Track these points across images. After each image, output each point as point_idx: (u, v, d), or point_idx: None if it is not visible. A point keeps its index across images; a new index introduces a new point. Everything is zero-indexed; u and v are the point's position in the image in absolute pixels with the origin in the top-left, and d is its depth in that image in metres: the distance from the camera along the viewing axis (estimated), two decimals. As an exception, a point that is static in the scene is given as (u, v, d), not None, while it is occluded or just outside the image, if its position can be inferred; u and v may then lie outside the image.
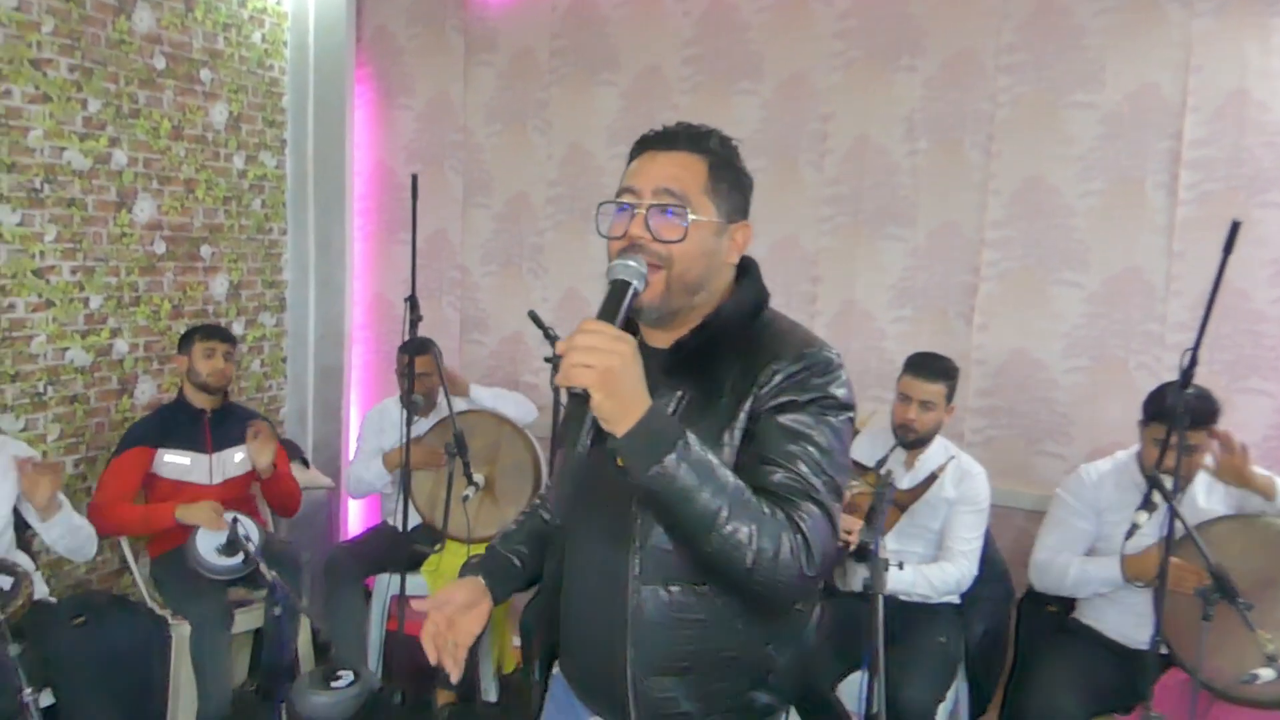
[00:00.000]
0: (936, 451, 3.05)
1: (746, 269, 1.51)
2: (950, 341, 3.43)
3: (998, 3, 3.35)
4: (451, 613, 1.50)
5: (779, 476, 1.30)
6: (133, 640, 3.00)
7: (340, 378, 4.47)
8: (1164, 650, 2.43)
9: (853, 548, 2.80)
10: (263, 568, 2.90)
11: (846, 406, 1.38)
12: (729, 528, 1.22)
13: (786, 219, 3.69)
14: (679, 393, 1.40)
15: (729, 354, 1.39)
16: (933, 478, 2.97)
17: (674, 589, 1.38)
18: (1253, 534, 2.60)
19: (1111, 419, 3.26)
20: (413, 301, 3.23)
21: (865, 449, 3.09)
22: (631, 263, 1.30)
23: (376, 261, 4.46)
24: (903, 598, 2.91)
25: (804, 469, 1.30)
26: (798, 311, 3.69)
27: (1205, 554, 2.21)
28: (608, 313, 1.26)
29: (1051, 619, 3.02)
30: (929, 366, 3.00)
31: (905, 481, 3.01)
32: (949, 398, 3.01)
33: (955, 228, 3.47)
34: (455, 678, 1.49)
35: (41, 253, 3.38)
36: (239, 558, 3.12)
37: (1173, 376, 3.13)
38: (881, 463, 3.01)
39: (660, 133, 1.44)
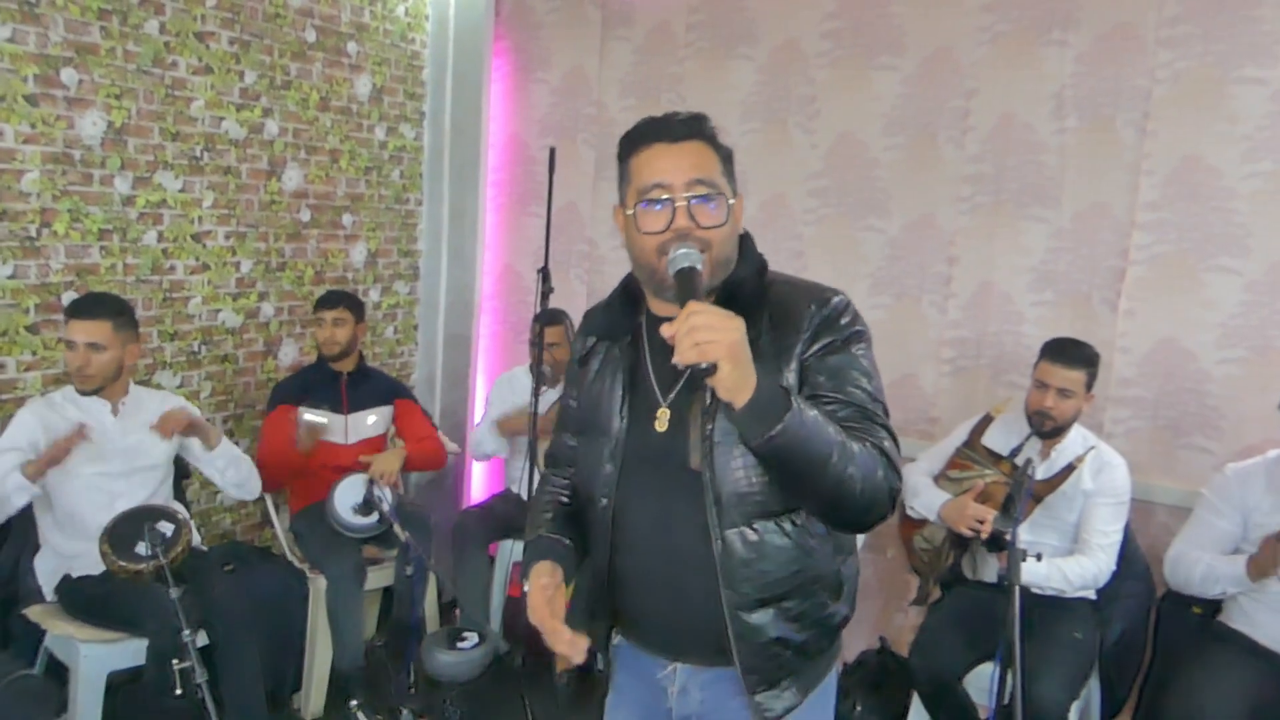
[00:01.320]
0: (1074, 441, 2.94)
1: (744, 235, 1.60)
2: (1093, 328, 3.29)
3: (1162, -28, 3.17)
4: (553, 594, 1.55)
5: (844, 412, 1.43)
6: (275, 590, 3.16)
7: (468, 346, 4.58)
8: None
9: (985, 536, 2.73)
10: (396, 528, 3.03)
11: (869, 337, 1.54)
12: (839, 468, 1.34)
13: (923, 198, 3.59)
14: None
15: (754, 311, 1.47)
16: (1070, 468, 2.86)
17: (757, 526, 1.48)
18: None
19: (1268, 414, 3.06)
20: (545, 273, 3.29)
21: (999, 436, 3.00)
22: (690, 250, 1.40)
23: (507, 233, 4.54)
24: (1036, 590, 2.82)
25: (861, 398, 1.46)
26: (931, 292, 3.61)
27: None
28: (698, 297, 1.33)
29: (1196, 621, 2.88)
30: (1068, 352, 2.88)
31: (1041, 471, 2.90)
32: (1089, 386, 2.89)
33: (1103, 209, 3.32)
34: (580, 656, 1.51)
35: (200, 218, 3.57)
36: (374, 517, 3.25)
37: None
38: (1016, 451, 2.93)
39: (657, 124, 1.50)
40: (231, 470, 3.03)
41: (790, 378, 1.47)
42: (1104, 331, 3.29)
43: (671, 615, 1.58)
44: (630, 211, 1.48)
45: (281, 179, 3.85)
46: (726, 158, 1.52)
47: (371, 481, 3.23)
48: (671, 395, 1.54)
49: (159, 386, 3.46)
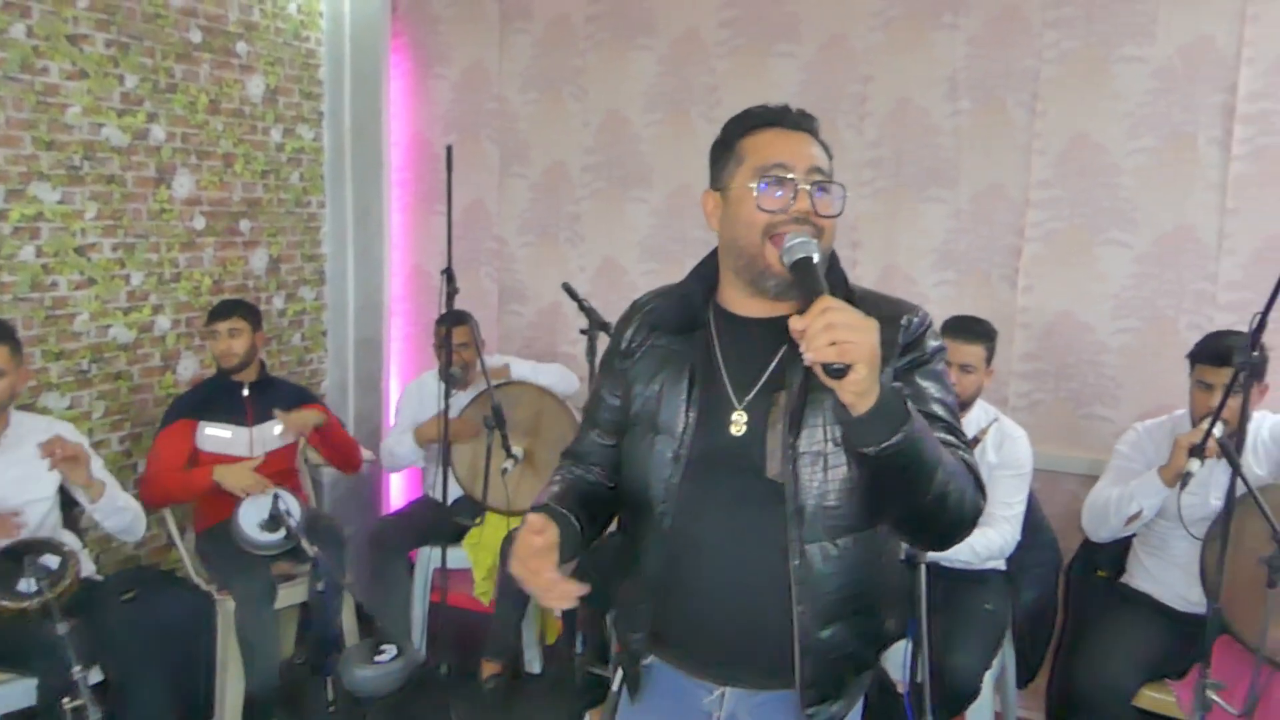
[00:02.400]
0: (978, 415, 2.99)
1: None
2: (994, 305, 3.36)
3: (1044, -45, 3.24)
4: (540, 546, 1.39)
5: (936, 426, 1.41)
6: (180, 615, 3.05)
7: (380, 350, 4.49)
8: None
9: (896, 516, 2.76)
10: (304, 543, 2.94)
11: (945, 352, 1.54)
12: (942, 478, 1.31)
13: (825, 183, 3.61)
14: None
15: None
16: (975, 442, 2.91)
17: (840, 541, 1.44)
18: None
19: (1162, 381, 3.17)
20: (449, 274, 3.23)
21: (908, 416, 3.04)
22: (806, 237, 1.37)
23: (415, 233, 4.46)
24: (945, 564, 2.87)
25: (947, 417, 1.45)
26: (838, 277, 3.63)
27: (1272, 520, 2.14)
28: (823, 289, 1.27)
29: (1102, 584, 2.97)
30: (967, 328, 2.94)
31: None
32: (988, 360, 2.96)
33: (999, 189, 3.38)
34: (571, 602, 1.37)
35: (83, 230, 3.41)
36: (281, 533, 3.15)
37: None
38: (925, 429, 2.96)
39: (778, 111, 1.50)
40: (114, 518, 2.91)
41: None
42: (1004, 308, 3.36)
43: (732, 633, 1.49)
44: (750, 185, 1.43)
45: (171, 186, 3.71)
46: (830, 159, 1.51)
47: (277, 496, 3.13)
48: (749, 398, 1.47)
49: (45, 410, 3.31)
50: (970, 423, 2.96)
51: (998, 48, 3.34)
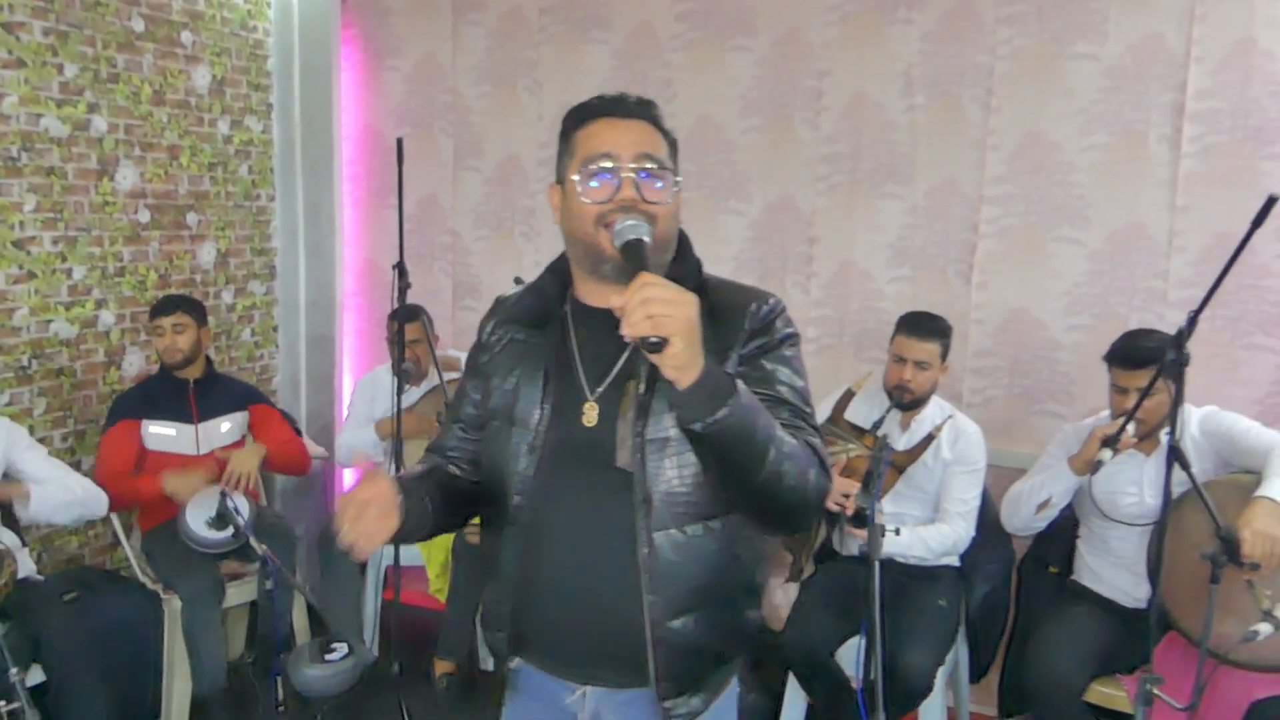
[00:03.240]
0: (932, 412, 3.00)
1: (680, 235, 1.56)
2: (949, 301, 3.37)
3: (997, -48, 3.25)
4: (381, 505, 1.36)
5: (780, 410, 1.40)
6: (125, 616, 2.98)
7: (332, 346, 4.42)
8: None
9: (850, 512, 2.76)
10: (252, 542, 2.87)
11: (799, 339, 1.55)
12: (775, 458, 1.30)
13: (782, 179, 3.61)
14: None
15: None
16: (929, 439, 2.93)
17: (688, 529, 1.44)
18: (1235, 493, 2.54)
19: (1113, 378, 3.20)
20: (401, 268, 3.18)
21: (861, 411, 3.04)
22: (636, 221, 1.35)
23: (367, 227, 4.39)
24: (900, 560, 2.88)
25: (795, 400, 1.44)
26: (794, 273, 3.63)
27: (1215, 515, 2.16)
28: (649, 268, 1.27)
29: (1051, 580, 2.99)
30: (922, 325, 2.94)
31: (901, 443, 2.96)
32: (943, 356, 2.96)
33: (954, 185, 3.39)
34: (374, 545, 1.36)
35: (21, 223, 3.32)
36: (229, 531, 3.08)
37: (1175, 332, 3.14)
38: (878, 424, 2.96)
39: (610, 100, 1.48)
40: (61, 514, 2.84)
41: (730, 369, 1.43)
42: (959, 304, 3.37)
43: (587, 627, 1.48)
44: (574, 177, 1.43)
45: (115, 178, 3.62)
46: (672, 144, 1.49)
47: (224, 494, 3.06)
48: (601, 389, 1.47)
49: (-16, 406, 3.21)
50: (925, 419, 2.97)
51: (952, 43, 3.35)
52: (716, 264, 3.99)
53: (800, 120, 3.57)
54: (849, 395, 3.06)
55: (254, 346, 4.34)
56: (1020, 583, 3.10)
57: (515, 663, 1.58)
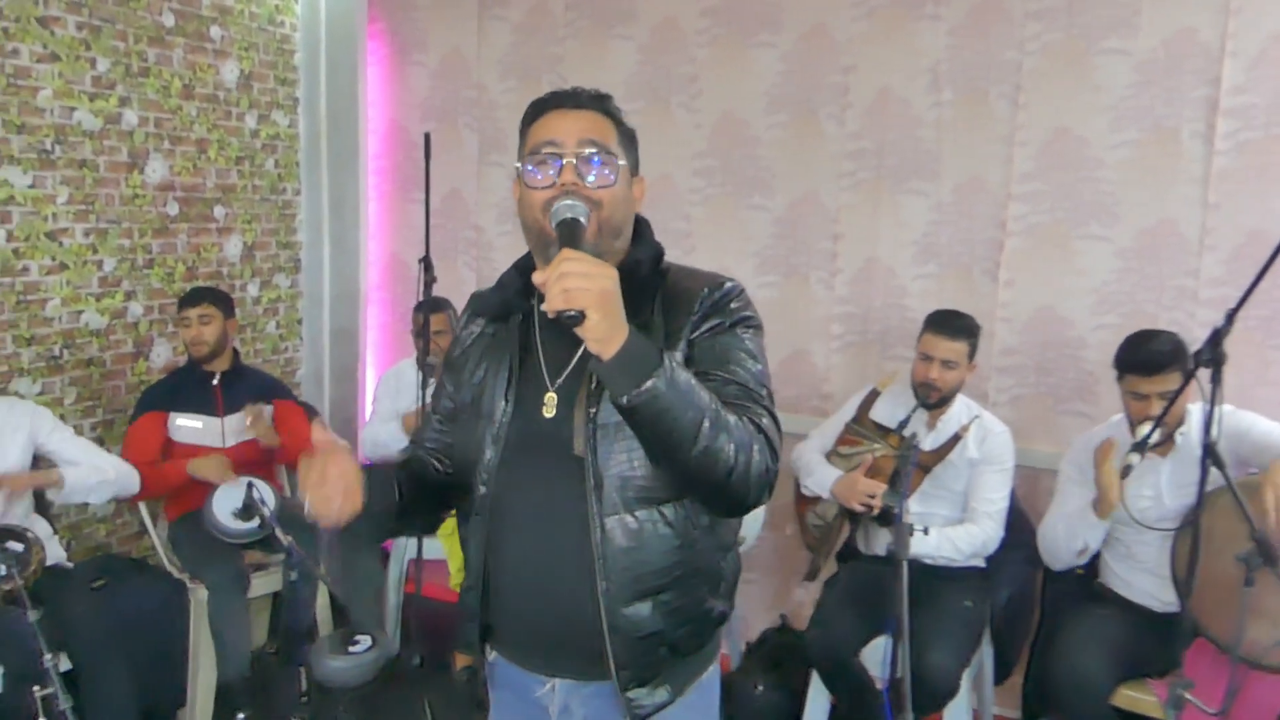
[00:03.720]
0: (959, 411, 2.98)
1: (642, 221, 1.58)
2: (975, 299, 3.34)
3: (1027, -54, 3.21)
4: (338, 475, 1.39)
5: (728, 389, 1.40)
6: (151, 604, 3.02)
7: (356, 339, 4.44)
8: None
9: (876, 511, 2.75)
10: (278, 532, 2.89)
11: (760, 327, 1.53)
12: (709, 437, 1.29)
13: (806, 175, 3.59)
14: None
15: (646, 295, 1.48)
16: (956, 438, 2.90)
17: (639, 513, 1.43)
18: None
19: (1141, 378, 3.16)
20: (427, 262, 3.19)
21: (886, 409, 3.02)
22: (574, 201, 1.38)
23: (391, 221, 4.41)
24: (927, 561, 2.85)
25: (745, 377, 1.43)
26: (818, 269, 3.61)
27: (1250, 516, 2.12)
28: (575, 245, 1.30)
29: (1078, 582, 2.95)
30: (950, 324, 2.92)
31: (928, 442, 2.94)
32: (971, 355, 2.93)
33: (980, 182, 3.36)
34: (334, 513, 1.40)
35: (54, 215, 3.36)
36: (254, 522, 3.10)
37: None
38: (904, 424, 2.95)
39: (561, 93, 1.51)
40: (95, 495, 2.88)
41: (678, 357, 1.41)
42: (985, 302, 3.34)
43: (547, 617, 1.49)
44: (522, 165, 1.46)
45: (144, 171, 3.65)
46: (628, 135, 1.52)
47: (251, 484, 3.08)
48: (561, 380, 1.48)
49: (17, 394, 3.25)
50: (951, 419, 2.95)
51: (979, 39, 3.31)
52: (739, 259, 4.00)
53: (825, 116, 3.55)
54: (874, 394, 3.04)
55: (278, 339, 4.37)
56: (1045, 584, 3.07)
57: (493, 656, 1.61)
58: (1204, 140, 3.08)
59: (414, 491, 1.56)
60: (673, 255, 1.58)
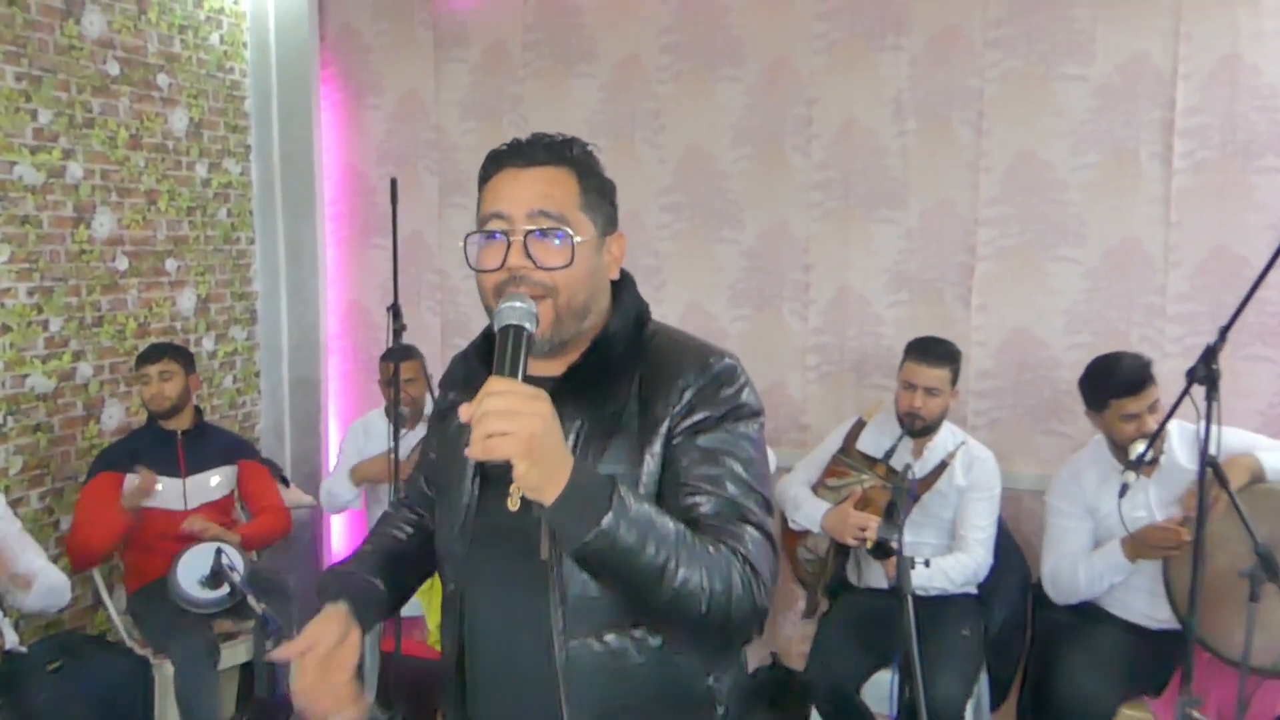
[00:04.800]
0: (944, 438, 2.97)
1: (622, 281, 1.39)
2: (949, 324, 3.35)
3: (983, -25, 3.27)
4: (324, 653, 1.31)
5: (709, 506, 1.23)
6: (114, 683, 2.86)
7: (317, 390, 4.31)
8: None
9: (869, 544, 2.71)
10: (251, 600, 2.77)
11: (758, 413, 1.33)
12: (679, 578, 1.14)
13: (775, 206, 3.59)
14: (576, 422, 1.28)
15: (624, 373, 1.31)
16: (943, 466, 2.89)
17: (607, 638, 1.27)
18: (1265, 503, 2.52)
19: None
20: (395, 309, 3.11)
21: (872, 439, 3.00)
22: (519, 304, 1.19)
23: (351, 268, 4.30)
24: (919, 592, 2.81)
25: (733, 491, 1.25)
26: (791, 300, 3.60)
27: (1252, 530, 2.13)
28: (509, 365, 1.14)
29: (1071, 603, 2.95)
30: (932, 351, 2.92)
31: (914, 471, 2.92)
32: (953, 382, 2.93)
33: (949, 208, 3.39)
34: (354, 718, 1.32)
35: (-4, 275, 3.20)
36: (224, 590, 2.97)
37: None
38: (890, 453, 2.93)
39: (516, 146, 1.32)
40: (43, 602, 2.74)
41: (651, 462, 1.27)
42: (959, 326, 3.35)
43: None
44: (468, 243, 1.30)
45: (91, 225, 3.51)
46: (597, 189, 1.32)
47: (220, 550, 2.95)
48: None
49: (-40, 467, 3.08)
50: (937, 446, 2.94)
51: (940, 67, 3.35)
52: (711, 293, 3.98)
53: (791, 148, 3.55)
54: (860, 424, 3.02)
55: (236, 393, 4.22)
56: (1036, 606, 3.05)
57: None
58: (1162, 161, 3.14)
59: (395, 576, 1.46)
60: (643, 292, 1.42)
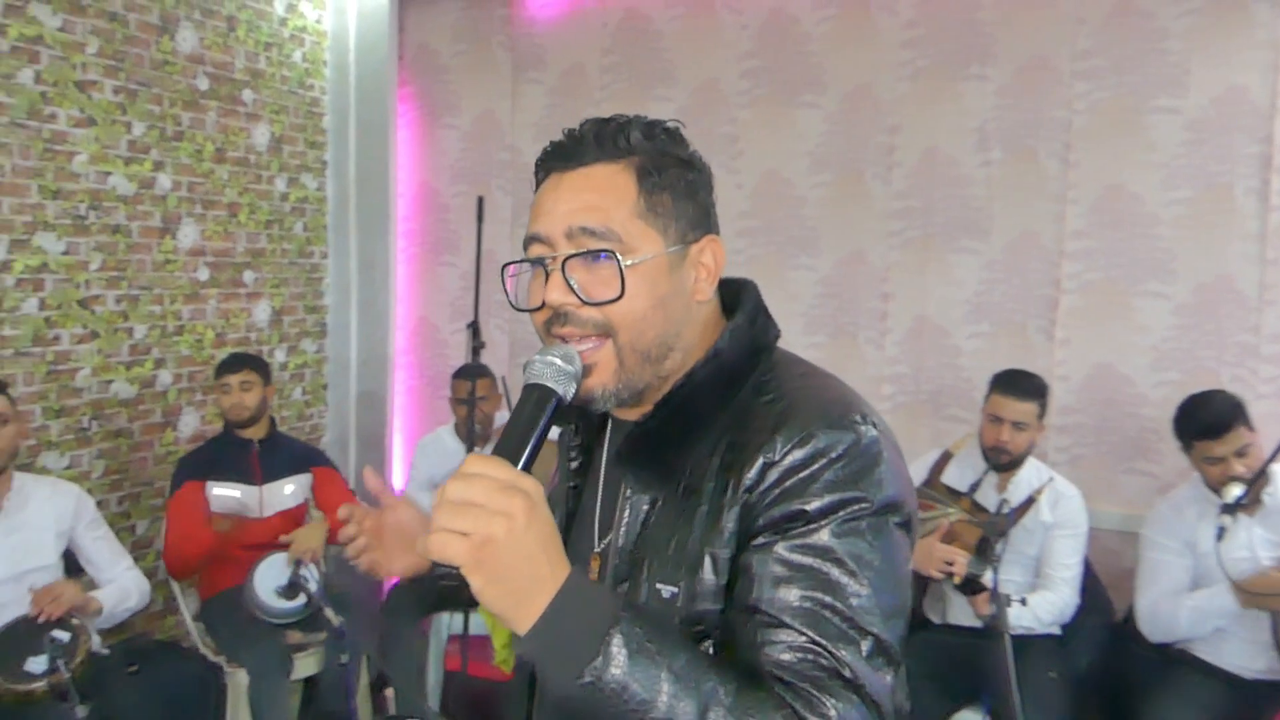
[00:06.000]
0: (1029, 473, 2.90)
1: (740, 295, 1.07)
2: (1030, 357, 3.29)
3: (1073, 7, 3.23)
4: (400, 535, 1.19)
5: (787, 653, 0.86)
6: (186, 689, 2.86)
7: (383, 405, 4.33)
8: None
9: (957, 579, 2.66)
10: (328, 612, 2.77)
11: (892, 507, 0.91)
12: None
13: (853, 234, 3.56)
14: (649, 495, 1.00)
15: (713, 429, 0.98)
16: (1030, 501, 2.82)
17: None
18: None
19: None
20: (475, 327, 3.12)
21: (955, 473, 2.94)
22: (555, 359, 0.93)
23: (421, 285, 4.33)
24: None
25: (828, 631, 0.86)
26: (867, 329, 3.56)
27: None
28: (515, 439, 0.89)
29: (1157, 648, 2.86)
30: (1020, 384, 2.85)
31: (998, 505, 2.86)
32: (1041, 416, 2.87)
33: (1033, 239, 3.34)
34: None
35: (86, 282, 3.26)
36: (300, 600, 2.97)
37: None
38: (975, 487, 2.87)
39: (563, 143, 1.04)
40: (122, 610, 2.75)
41: (712, 567, 0.93)
42: (1041, 360, 3.29)
43: None
44: (504, 277, 1.05)
45: (176, 236, 3.57)
46: (665, 183, 1.00)
47: (299, 561, 2.95)
48: (605, 541, 1.04)
49: (44, 470, 3.12)
50: (1022, 481, 2.87)
51: (1028, 98, 3.32)
52: (785, 320, 3.96)
53: (871, 175, 3.53)
54: (946, 457, 2.97)
55: (304, 406, 4.25)
56: (1120, 648, 2.97)
57: None
58: (1258, 196, 3.08)
59: None
60: None
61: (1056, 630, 2.87)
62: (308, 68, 4.13)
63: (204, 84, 3.64)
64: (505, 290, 1.04)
